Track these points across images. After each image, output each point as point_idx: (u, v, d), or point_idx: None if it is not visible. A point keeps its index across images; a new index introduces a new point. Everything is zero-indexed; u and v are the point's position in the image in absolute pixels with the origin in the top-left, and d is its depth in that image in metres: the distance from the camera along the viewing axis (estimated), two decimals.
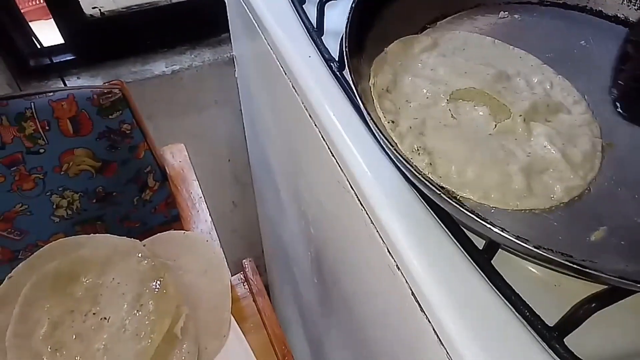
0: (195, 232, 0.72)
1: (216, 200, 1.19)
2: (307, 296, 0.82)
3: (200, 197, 0.76)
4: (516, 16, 0.46)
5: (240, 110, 0.94)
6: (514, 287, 0.33)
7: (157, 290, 0.59)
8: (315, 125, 0.47)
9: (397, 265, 0.38)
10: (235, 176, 1.14)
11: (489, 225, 0.27)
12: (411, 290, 0.36)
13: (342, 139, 0.42)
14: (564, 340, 0.30)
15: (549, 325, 0.31)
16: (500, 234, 0.27)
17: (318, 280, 0.72)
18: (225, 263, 0.61)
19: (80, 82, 0.87)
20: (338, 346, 0.68)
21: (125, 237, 0.64)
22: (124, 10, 0.88)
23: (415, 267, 0.35)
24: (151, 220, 0.80)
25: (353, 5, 0.39)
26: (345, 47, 0.35)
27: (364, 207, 0.41)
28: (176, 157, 0.81)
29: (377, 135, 0.32)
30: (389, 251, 0.38)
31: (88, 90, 0.66)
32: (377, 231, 0.39)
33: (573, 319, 0.30)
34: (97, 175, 0.70)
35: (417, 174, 0.30)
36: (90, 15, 0.87)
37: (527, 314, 0.32)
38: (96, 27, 0.87)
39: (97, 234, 0.64)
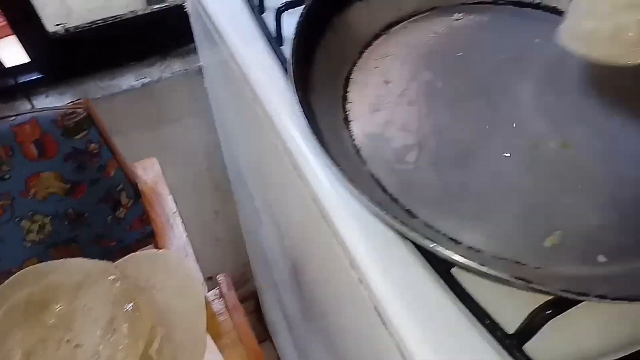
0: (169, 249, 0.71)
1: (197, 210, 1.18)
2: (288, 303, 0.82)
3: (175, 212, 0.75)
4: (471, 17, 0.46)
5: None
6: (473, 296, 0.32)
7: (130, 312, 0.58)
8: (276, 136, 0.46)
9: (359, 279, 0.37)
10: (215, 185, 1.13)
11: (432, 245, 0.27)
12: (373, 303, 0.35)
13: (301, 150, 0.41)
14: (524, 347, 0.30)
15: (508, 333, 0.31)
16: (445, 254, 0.27)
17: (297, 288, 0.72)
18: (200, 280, 0.60)
19: (49, 101, 0.85)
20: (321, 352, 0.68)
21: (97, 260, 0.63)
22: (88, 25, 0.86)
23: (375, 281, 0.35)
24: (127, 238, 0.79)
25: (302, 14, 0.38)
26: (292, 63, 0.35)
27: (326, 220, 0.40)
28: (148, 172, 0.80)
29: (323, 153, 0.31)
30: (351, 265, 0.38)
31: (51, 112, 0.65)
32: (340, 244, 0.38)
33: (530, 327, 0.30)
34: (67, 197, 0.69)
35: (360, 193, 0.29)
36: (55, 32, 0.85)
37: (487, 322, 0.31)
38: (61, 44, 0.85)
39: (68, 259, 0.63)
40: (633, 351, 0.29)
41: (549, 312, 0.30)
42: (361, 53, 0.43)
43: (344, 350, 0.52)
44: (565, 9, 0.46)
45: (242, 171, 0.80)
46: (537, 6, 0.46)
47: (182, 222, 0.75)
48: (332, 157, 0.30)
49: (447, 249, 0.26)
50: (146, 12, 0.88)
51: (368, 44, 0.44)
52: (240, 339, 0.57)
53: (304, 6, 0.39)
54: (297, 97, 0.33)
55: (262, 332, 1.28)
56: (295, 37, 0.36)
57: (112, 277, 0.60)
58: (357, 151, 0.37)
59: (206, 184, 1.12)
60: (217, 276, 0.65)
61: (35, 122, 0.64)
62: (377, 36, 0.44)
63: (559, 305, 0.30)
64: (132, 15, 0.87)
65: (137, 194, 0.77)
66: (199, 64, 0.90)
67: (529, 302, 0.30)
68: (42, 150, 0.65)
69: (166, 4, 0.88)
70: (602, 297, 0.25)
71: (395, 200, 0.35)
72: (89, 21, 0.86)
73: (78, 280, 0.61)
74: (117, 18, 0.86)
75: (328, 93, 0.39)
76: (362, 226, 0.36)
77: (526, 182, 0.36)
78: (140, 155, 0.89)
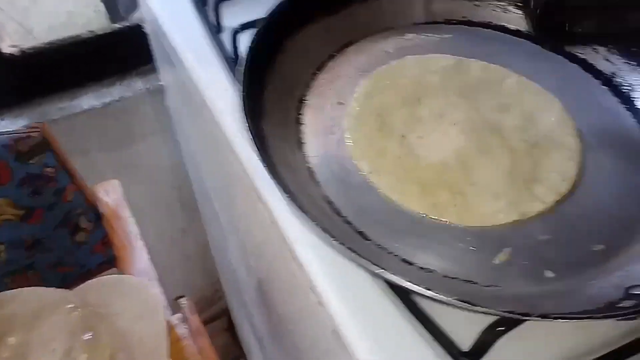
0: (131, 273, 0.69)
1: (165, 229, 1.16)
2: (257, 322, 0.81)
3: (137, 235, 0.73)
4: (422, 36, 0.47)
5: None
6: (430, 316, 0.32)
7: (89, 341, 0.56)
8: (234, 159, 0.46)
9: (318, 301, 0.37)
10: (182, 203, 1.11)
11: (378, 270, 0.27)
12: (332, 326, 0.35)
13: (258, 174, 0.41)
14: None
15: (463, 350, 0.31)
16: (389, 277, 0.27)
17: (263, 308, 0.71)
18: (163, 304, 0.59)
19: (5, 124, 0.82)
20: None
21: (53, 289, 0.61)
22: (45, 46, 0.84)
23: (333, 304, 0.35)
24: (89, 263, 0.77)
25: (253, 39, 0.38)
26: (243, 88, 0.35)
27: (285, 243, 0.40)
28: (110, 195, 0.78)
29: (272, 179, 0.31)
30: (310, 287, 0.37)
31: (4, 137, 0.63)
32: (298, 267, 0.38)
33: (483, 344, 0.31)
34: (22, 223, 0.67)
35: (308, 220, 0.29)
36: (10, 54, 0.83)
37: (443, 340, 0.31)
38: (17, 65, 0.83)
39: (23, 288, 0.61)
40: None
41: (499, 329, 0.30)
42: (315, 75, 0.43)
43: None
44: (515, 27, 0.47)
45: (206, 190, 0.79)
46: (487, 25, 0.48)
47: (145, 244, 0.73)
48: (281, 184, 0.30)
49: (393, 273, 0.26)
50: (106, 31, 0.87)
51: (322, 66, 0.44)
52: None
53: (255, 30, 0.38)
54: (247, 124, 0.33)
55: (237, 350, 1.25)
56: (245, 62, 0.36)
57: (69, 305, 0.58)
58: (311, 174, 0.37)
59: (173, 202, 1.10)
60: (180, 300, 0.63)
61: None
62: (331, 57, 0.45)
63: (509, 322, 0.30)
64: (91, 35, 0.85)
65: (97, 217, 0.75)
66: (161, 82, 0.89)
67: (485, 319, 0.31)
68: None
69: (126, 23, 0.87)
70: (544, 316, 0.25)
71: (348, 222, 0.35)
72: (46, 42, 0.84)
73: (34, 310, 0.58)
74: (75, 38, 0.84)
75: (281, 116, 0.39)
76: (320, 249, 0.36)
77: None
78: (104, 176, 0.86)
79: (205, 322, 1.37)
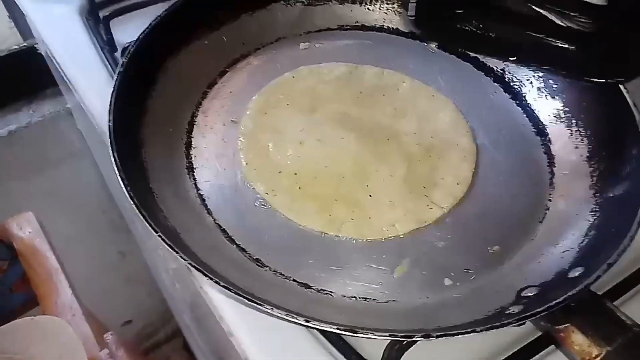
0: (54, 310, 0.65)
1: (100, 254, 1.10)
2: (200, 342, 0.79)
3: (57, 269, 0.69)
4: (316, 45, 0.46)
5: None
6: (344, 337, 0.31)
7: None
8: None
9: (228, 332, 0.35)
10: (114, 226, 1.06)
11: (265, 308, 0.25)
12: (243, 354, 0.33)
13: None
14: None
15: None
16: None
17: (200, 329, 0.69)
18: (80, 344, 0.55)
19: None
20: None
21: None
22: None
23: (244, 340, 0.33)
24: (10, 304, 0.72)
25: (122, 64, 0.35)
26: (111, 121, 0.32)
27: (191, 273, 0.38)
28: (24, 229, 0.73)
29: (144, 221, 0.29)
30: (219, 319, 0.36)
31: None
32: (206, 299, 0.36)
33: None
34: None
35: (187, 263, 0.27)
36: None
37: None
38: None
39: None
40: None
41: (402, 345, 0.30)
42: (205, 93, 0.41)
43: None
44: (409, 30, 0.47)
45: (129, 212, 0.75)
46: (380, 29, 0.47)
47: (67, 278, 0.69)
48: (153, 224, 0.28)
49: (274, 308, 0.25)
50: (3, 54, 0.81)
51: (212, 83, 0.42)
52: None
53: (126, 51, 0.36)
54: (114, 157, 0.30)
55: None
56: (113, 89, 0.33)
57: None
58: (203, 201, 0.35)
59: (103, 226, 1.05)
60: (105, 335, 0.60)
61: None
62: (222, 73, 0.43)
63: (404, 337, 0.30)
64: None
65: (13, 254, 0.70)
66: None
67: None
68: None
69: (25, 44, 0.81)
70: (426, 336, 0.25)
71: (243, 250, 0.33)
72: None
73: None
74: None
75: (167, 142, 0.37)
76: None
77: None
78: (20, 207, 0.81)
79: (161, 343, 1.33)
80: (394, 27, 0.47)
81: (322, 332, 0.31)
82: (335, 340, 0.31)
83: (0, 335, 0.59)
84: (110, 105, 0.33)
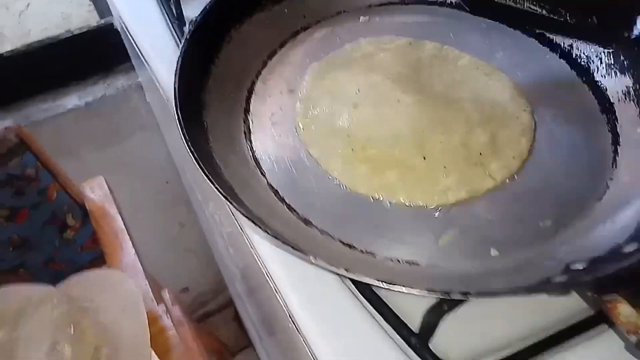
0: (115, 267, 0.70)
1: (162, 224, 1.17)
2: (250, 311, 0.82)
3: (123, 230, 0.74)
4: (376, 19, 0.46)
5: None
6: (382, 298, 0.32)
7: (73, 335, 0.57)
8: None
9: (274, 288, 0.37)
10: (176, 198, 1.12)
11: (314, 259, 0.27)
12: (287, 313, 0.35)
13: None
14: (430, 343, 0.30)
15: (414, 331, 0.31)
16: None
17: (250, 296, 0.72)
18: (141, 298, 0.60)
19: None
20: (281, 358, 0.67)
21: (38, 285, 0.62)
22: (24, 47, 0.85)
23: (287, 291, 0.35)
24: (79, 260, 0.78)
25: (190, 30, 0.38)
26: (177, 80, 0.34)
27: (243, 232, 0.40)
28: (96, 192, 0.79)
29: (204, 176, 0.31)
30: (267, 276, 0.38)
31: None
32: (257, 258, 0.38)
33: (429, 324, 0.30)
34: (8, 224, 0.68)
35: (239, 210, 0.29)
36: None
37: (395, 322, 0.31)
38: None
39: (7, 286, 0.62)
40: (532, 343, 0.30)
41: (441, 309, 0.30)
42: (265, 63, 0.43)
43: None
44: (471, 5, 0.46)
45: (190, 182, 0.80)
46: (442, 4, 0.47)
47: (132, 240, 0.74)
48: (211, 178, 0.30)
49: (329, 263, 0.26)
50: (83, 30, 0.87)
51: (272, 54, 0.43)
52: (186, 354, 0.57)
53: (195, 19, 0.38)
54: (177, 115, 0.32)
55: (245, 339, 1.27)
56: (180, 54, 0.36)
57: (54, 300, 0.60)
58: (257, 163, 0.37)
59: (166, 197, 1.11)
60: (162, 292, 0.64)
61: None
62: (282, 44, 0.44)
63: (450, 301, 0.30)
64: (69, 35, 0.86)
65: (85, 214, 0.77)
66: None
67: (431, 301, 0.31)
68: None
69: (102, 22, 0.87)
70: (464, 293, 0.25)
71: (293, 210, 0.35)
72: (25, 43, 0.85)
73: (18, 307, 0.60)
74: (53, 39, 0.85)
75: (227, 107, 0.39)
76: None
77: None
78: (94, 175, 0.88)
79: (212, 313, 1.39)
80: (456, 2, 0.47)
81: (361, 289, 0.32)
82: (372, 298, 0.32)
83: (70, 286, 0.64)
84: (176, 69, 0.35)
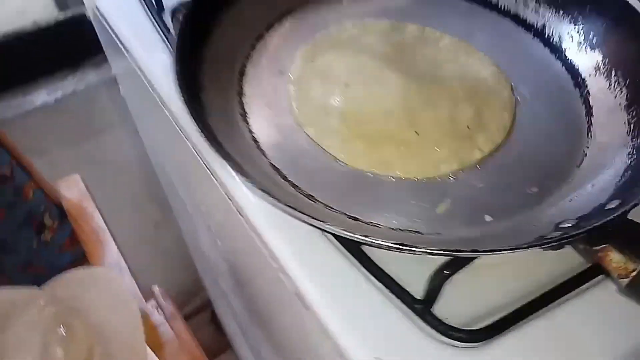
0: (98, 266, 0.69)
1: (137, 224, 1.15)
2: (236, 308, 0.82)
3: (103, 228, 0.73)
4: (360, 3, 0.48)
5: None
6: (382, 268, 0.33)
7: (64, 336, 0.56)
8: (186, 139, 0.46)
9: (278, 268, 0.38)
10: (151, 197, 1.11)
11: (317, 223, 0.28)
12: (293, 289, 0.36)
13: (204, 147, 0.41)
14: (433, 309, 0.32)
15: (417, 298, 0.32)
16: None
17: (239, 291, 0.72)
18: (135, 293, 0.59)
19: None
20: (272, 355, 0.68)
21: (22, 287, 0.61)
22: None
23: (292, 266, 0.36)
24: (58, 261, 0.76)
25: (183, 15, 0.38)
26: (177, 64, 0.35)
27: (242, 216, 0.41)
28: (72, 190, 0.77)
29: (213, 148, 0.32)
30: (270, 256, 0.39)
31: None
32: (257, 237, 0.39)
33: (433, 290, 0.32)
34: None
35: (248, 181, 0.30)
36: None
37: (397, 290, 0.33)
38: None
39: None
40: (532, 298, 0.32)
41: (445, 272, 0.32)
42: (254, 45, 0.44)
43: (289, 349, 0.53)
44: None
45: (170, 177, 0.79)
46: None
47: (114, 238, 0.73)
48: (222, 152, 0.31)
49: (336, 226, 0.28)
50: (50, 23, 0.85)
51: (260, 36, 0.44)
52: (181, 348, 0.57)
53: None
54: (183, 98, 0.33)
55: (222, 341, 1.26)
56: (178, 38, 0.36)
57: (40, 302, 0.58)
58: (257, 143, 0.38)
59: (142, 195, 1.10)
60: (152, 287, 0.64)
61: None
62: (269, 26, 0.45)
63: (452, 266, 0.32)
64: (34, 29, 0.83)
65: (62, 214, 0.75)
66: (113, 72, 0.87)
67: (433, 267, 0.33)
68: None
69: (72, 13, 0.85)
70: (474, 250, 0.27)
71: (296, 186, 0.36)
72: None
73: (4, 311, 0.58)
74: (18, 33, 0.82)
75: (222, 89, 0.40)
76: (275, 216, 0.37)
77: None
78: (66, 173, 0.85)
79: (189, 316, 1.38)
80: None
81: (365, 264, 0.34)
82: (380, 274, 0.33)
83: (55, 286, 0.63)
84: (175, 52, 0.35)
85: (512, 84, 0.42)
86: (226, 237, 0.58)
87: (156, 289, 0.64)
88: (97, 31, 0.72)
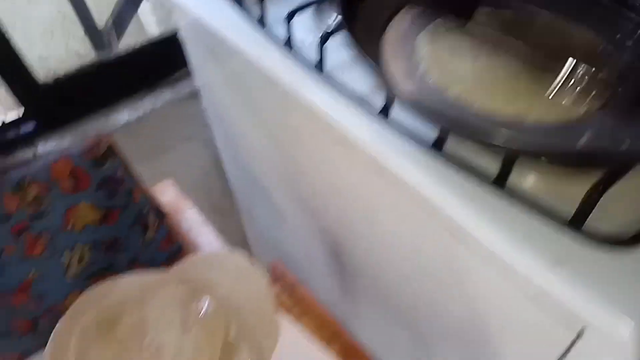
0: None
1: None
2: (330, 289, 0.85)
3: (202, 221, 0.79)
4: None
5: (212, 140, 0.99)
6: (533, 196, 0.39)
7: (201, 309, 0.62)
8: (309, 106, 0.52)
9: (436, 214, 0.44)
10: (212, 207, 1.17)
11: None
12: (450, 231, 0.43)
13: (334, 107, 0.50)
14: (583, 227, 0.36)
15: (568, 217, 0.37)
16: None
17: (338, 271, 0.76)
18: (253, 267, 0.65)
19: (51, 146, 0.87)
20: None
21: (150, 270, 0.67)
22: (75, 70, 0.90)
23: (458, 214, 0.41)
24: (158, 258, 0.82)
25: None
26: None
27: (385, 171, 0.47)
28: (167, 194, 0.84)
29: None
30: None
31: (77, 148, 0.69)
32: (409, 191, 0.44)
33: (586, 207, 0.36)
34: (101, 225, 0.72)
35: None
36: (44, 83, 0.88)
37: (550, 213, 0.38)
38: (52, 90, 0.88)
39: (121, 277, 0.66)
40: None
41: (601, 187, 0.36)
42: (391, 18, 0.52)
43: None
44: None
45: (256, 177, 0.85)
46: None
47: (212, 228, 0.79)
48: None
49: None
50: (128, 52, 0.94)
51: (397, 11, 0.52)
52: (306, 311, 0.63)
53: None
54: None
55: None
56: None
57: (173, 282, 0.64)
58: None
59: (205, 208, 1.16)
60: (268, 264, 0.70)
61: (66, 158, 0.67)
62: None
63: (606, 181, 0.36)
64: (115, 56, 0.92)
65: (160, 214, 0.81)
66: (188, 89, 0.96)
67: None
68: (76, 183, 0.68)
69: (138, 45, 0.94)
70: None
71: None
72: (76, 66, 0.90)
73: (140, 292, 0.64)
74: (102, 60, 0.91)
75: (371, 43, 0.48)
76: (417, 162, 0.44)
77: None
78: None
79: None
80: None
81: (526, 200, 0.41)
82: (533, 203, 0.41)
83: (183, 267, 0.68)
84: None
85: None
86: (342, 213, 0.64)
87: (271, 264, 0.70)
88: (188, 47, 0.80)
